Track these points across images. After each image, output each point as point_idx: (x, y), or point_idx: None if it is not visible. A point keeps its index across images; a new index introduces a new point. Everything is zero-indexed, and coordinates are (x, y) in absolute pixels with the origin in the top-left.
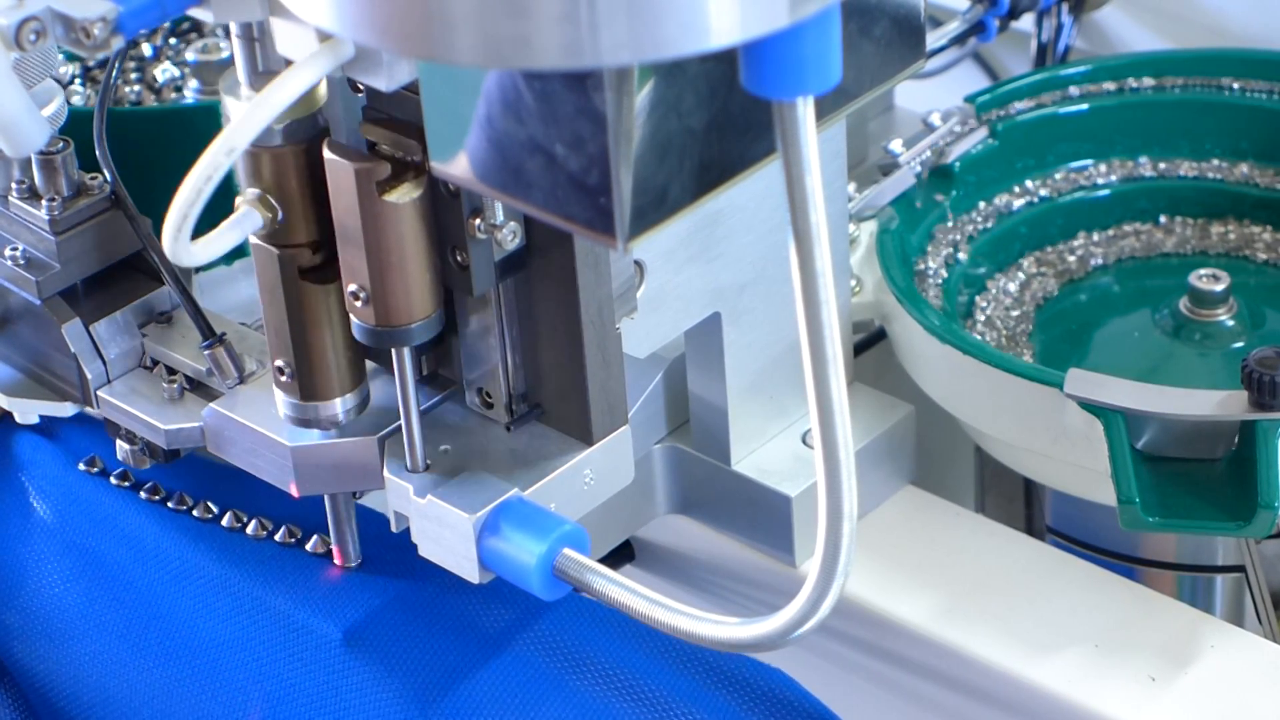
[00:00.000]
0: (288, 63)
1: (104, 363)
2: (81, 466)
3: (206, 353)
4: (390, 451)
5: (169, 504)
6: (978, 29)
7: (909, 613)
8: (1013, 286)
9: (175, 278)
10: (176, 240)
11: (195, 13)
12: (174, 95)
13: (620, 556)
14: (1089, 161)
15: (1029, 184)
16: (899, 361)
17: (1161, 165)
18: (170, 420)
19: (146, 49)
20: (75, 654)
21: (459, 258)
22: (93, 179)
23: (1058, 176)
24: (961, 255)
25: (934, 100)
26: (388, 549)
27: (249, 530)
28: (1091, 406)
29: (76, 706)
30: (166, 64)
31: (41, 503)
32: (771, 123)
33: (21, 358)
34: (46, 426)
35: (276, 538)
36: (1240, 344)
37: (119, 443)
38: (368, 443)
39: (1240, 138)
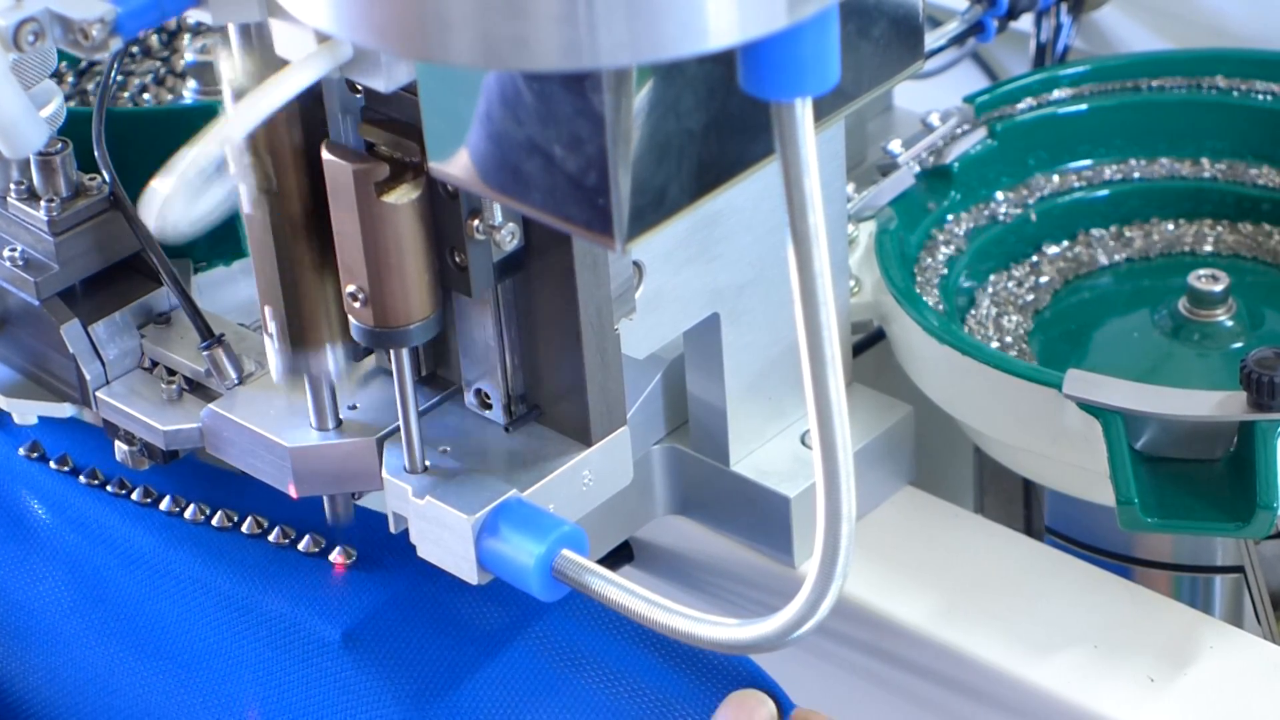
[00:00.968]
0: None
1: (103, 363)
2: (54, 465)
3: (205, 353)
4: (389, 452)
5: (160, 506)
6: (977, 29)
7: (908, 613)
8: (1012, 287)
9: (174, 278)
10: (158, 214)
11: (194, 14)
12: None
13: (619, 557)
14: (1088, 162)
15: (1028, 184)
16: (898, 362)
17: (1161, 165)
18: (169, 421)
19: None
20: (56, 660)
21: (457, 259)
22: (91, 180)
23: (1057, 177)
24: (960, 256)
25: (933, 100)
26: (386, 549)
27: (244, 529)
28: (1090, 407)
29: (55, 713)
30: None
31: (21, 505)
32: (770, 124)
33: (20, 359)
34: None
35: (270, 538)
36: (1239, 344)
37: (117, 443)
38: (366, 444)
39: (1240, 138)
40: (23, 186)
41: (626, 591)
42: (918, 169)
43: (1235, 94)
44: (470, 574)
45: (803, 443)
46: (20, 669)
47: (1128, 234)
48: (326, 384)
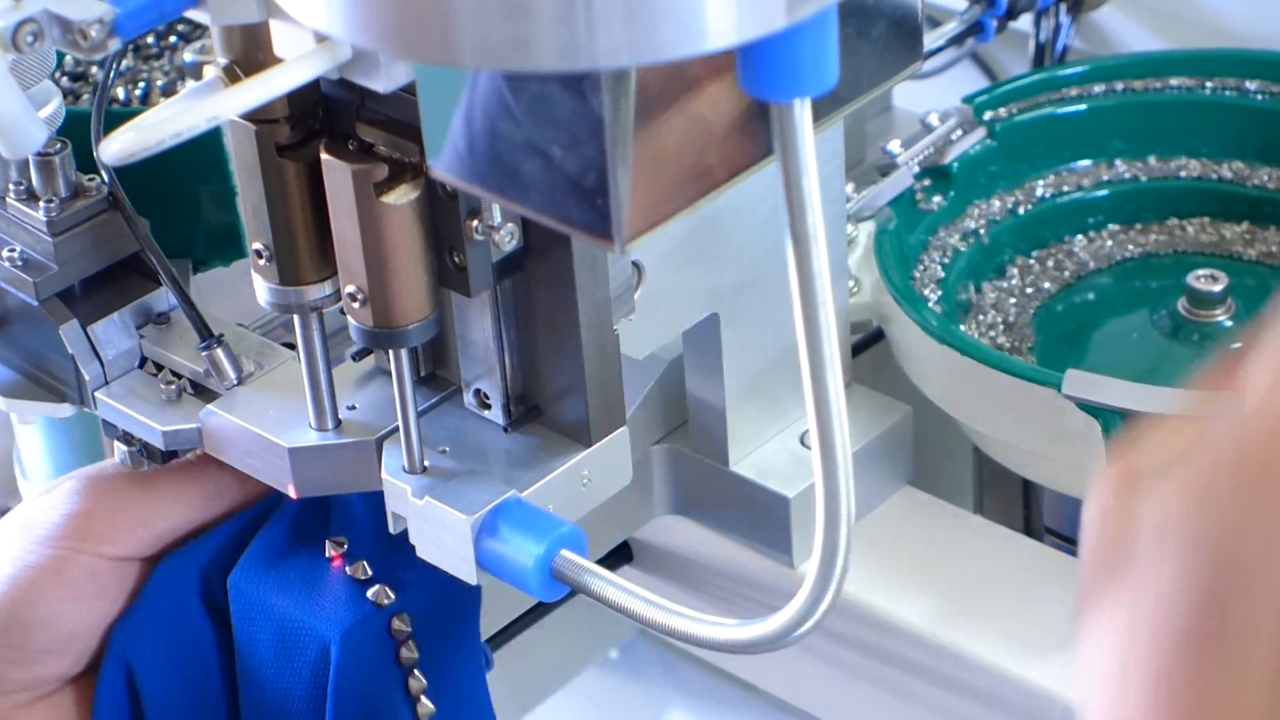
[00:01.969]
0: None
1: (102, 364)
2: None
3: (204, 354)
4: (388, 453)
5: None
6: (976, 29)
7: (907, 613)
8: (1011, 287)
9: (173, 279)
10: (111, 152)
11: (192, 14)
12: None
13: (618, 557)
14: (1087, 162)
15: (1027, 184)
16: (897, 362)
17: (1160, 166)
18: (168, 421)
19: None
20: None
21: (456, 259)
22: (90, 180)
23: (1056, 177)
24: (959, 256)
25: (932, 101)
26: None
27: None
28: (1090, 407)
29: None
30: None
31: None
32: (769, 124)
33: (19, 359)
34: None
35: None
36: (1238, 345)
37: (116, 444)
38: (365, 444)
39: (1239, 138)
40: (22, 187)
41: (626, 592)
42: (917, 169)
43: (1235, 94)
44: (469, 574)
45: (802, 443)
46: None
47: (1127, 234)
48: (316, 319)
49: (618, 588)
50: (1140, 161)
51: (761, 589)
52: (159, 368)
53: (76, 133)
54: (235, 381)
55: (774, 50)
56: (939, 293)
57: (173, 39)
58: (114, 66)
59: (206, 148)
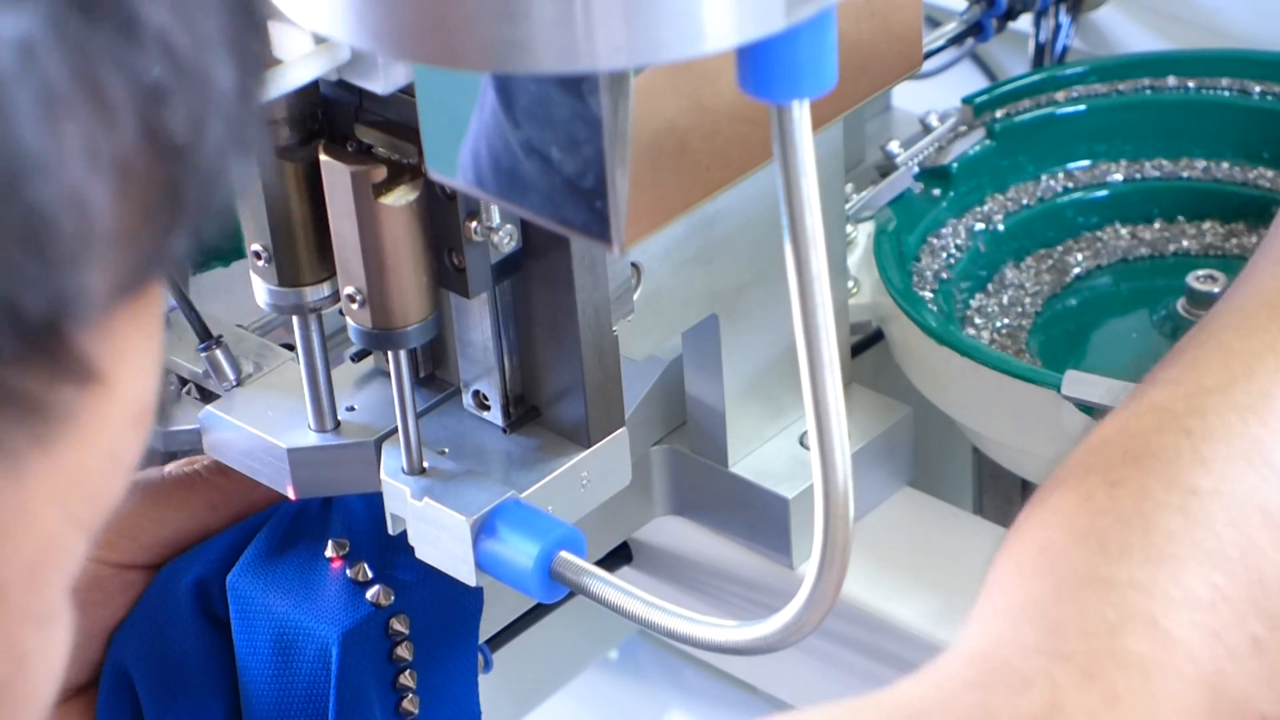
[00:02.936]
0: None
1: None
2: None
3: (203, 354)
4: (387, 454)
5: None
6: (975, 29)
7: (906, 614)
8: (1010, 288)
9: (172, 280)
10: None
11: None
12: None
13: (618, 558)
14: (1087, 162)
15: (1026, 185)
16: (896, 363)
17: (1159, 166)
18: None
19: None
20: None
21: (455, 260)
22: None
23: (1055, 177)
24: (959, 256)
25: (932, 101)
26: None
27: None
28: (1089, 408)
29: None
30: None
31: None
32: (768, 125)
33: None
34: None
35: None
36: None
37: None
38: (364, 445)
39: (1239, 138)
40: None
41: (624, 593)
42: (916, 169)
43: (1235, 94)
44: (468, 576)
45: (801, 444)
46: None
47: (1126, 234)
48: (315, 320)
49: (616, 589)
50: (1140, 162)
51: (761, 590)
52: None
53: None
54: (234, 383)
55: (773, 52)
56: (938, 293)
57: None
58: None
59: None
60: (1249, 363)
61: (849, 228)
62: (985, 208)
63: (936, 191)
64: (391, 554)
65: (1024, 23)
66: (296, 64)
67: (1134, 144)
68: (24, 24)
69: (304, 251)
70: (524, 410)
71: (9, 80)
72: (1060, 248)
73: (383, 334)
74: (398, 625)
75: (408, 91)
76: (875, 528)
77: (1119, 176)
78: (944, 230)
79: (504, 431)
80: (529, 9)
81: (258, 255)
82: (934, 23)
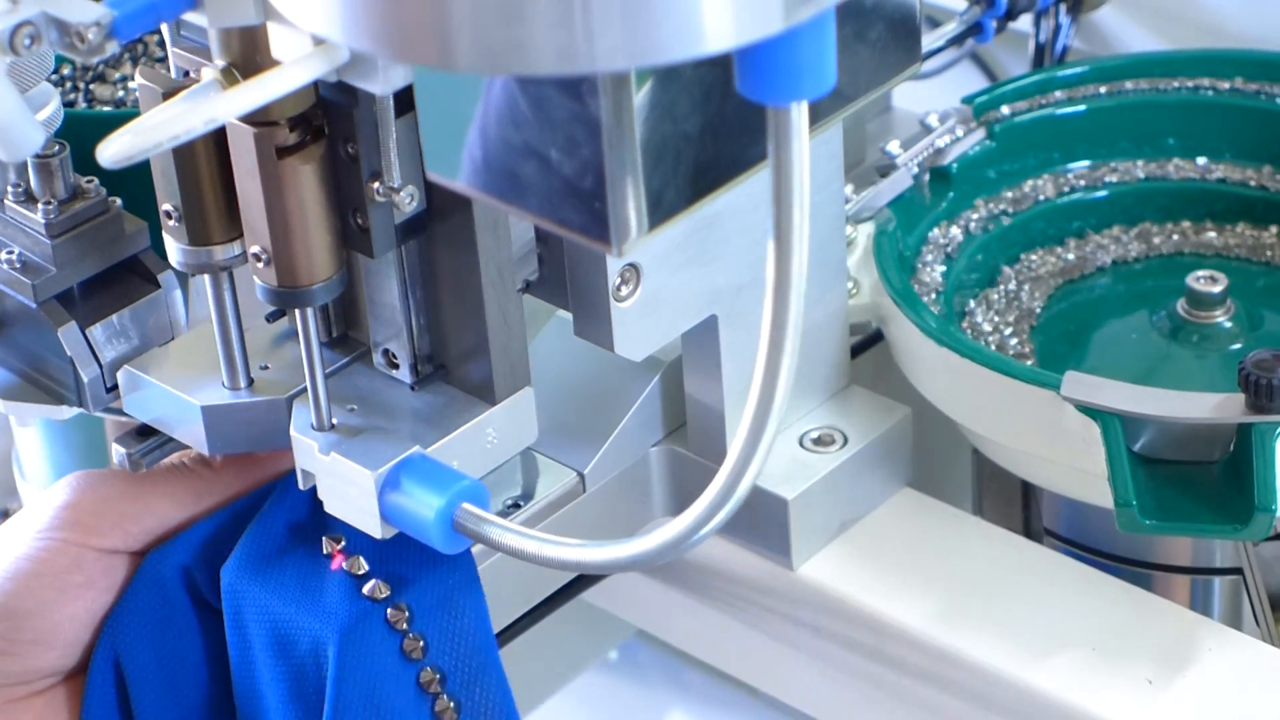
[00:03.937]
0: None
1: (100, 366)
2: None
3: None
4: (297, 411)
5: None
6: (975, 30)
7: (906, 615)
8: (1010, 288)
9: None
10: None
11: (190, 17)
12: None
13: None
14: (1086, 163)
15: (1026, 185)
16: (896, 364)
17: (1159, 166)
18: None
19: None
20: None
21: (359, 221)
22: (89, 182)
23: (1055, 177)
24: (959, 257)
25: (932, 101)
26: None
27: None
28: (1088, 409)
29: None
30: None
31: None
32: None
33: (18, 361)
34: None
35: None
36: (1238, 346)
37: (115, 447)
38: (276, 402)
39: (1240, 138)
40: (20, 189)
41: (522, 536)
42: (916, 170)
43: (1235, 94)
44: (374, 528)
45: (800, 444)
46: None
47: (1126, 235)
48: (227, 279)
49: (515, 534)
50: (1140, 162)
51: (760, 590)
52: None
53: (75, 135)
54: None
55: (771, 53)
56: (938, 294)
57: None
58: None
59: None
60: None
61: (849, 228)
62: (985, 208)
63: (937, 192)
64: (389, 548)
65: (1024, 23)
66: (295, 65)
67: (1134, 144)
68: None
69: (213, 211)
70: (432, 369)
71: None
72: (1060, 248)
73: (289, 292)
74: (396, 614)
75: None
76: (875, 528)
77: (1118, 177)
78: (944, 231)
79: (412, 389)
80: (528, 10)
81: (168, 215)
82: (934, 23)
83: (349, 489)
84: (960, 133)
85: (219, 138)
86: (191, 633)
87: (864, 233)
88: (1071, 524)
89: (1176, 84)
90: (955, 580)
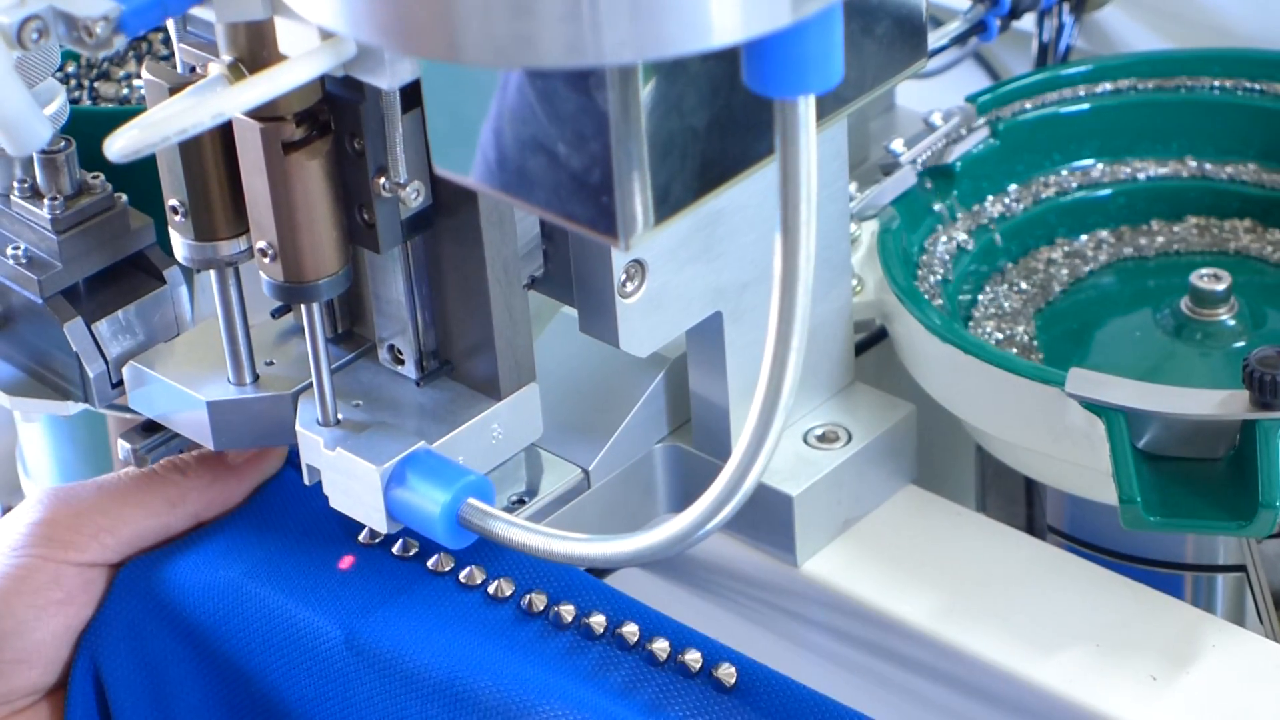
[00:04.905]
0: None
1: (106, 361)
2: None
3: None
4: (303, 406)
5: None
6: (979, 29)
7: (910, 612)
8: (1014, 286)
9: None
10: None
11: (197, 12)
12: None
13: None
14: (1090, 161)
15: (1030, 184)
16: (900, 361)
17: (1162, 165)
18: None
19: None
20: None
21: (365, 216)
22: (94, 178)
23: (1059, 176)
24: (963, 255)
25: (935, 100)
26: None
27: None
28: (1093, 406)
29: None
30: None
31: None
32: (773, 121)
33: (23, 357)
34: None
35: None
36: (1241, 343)
37: (120, 442)
38: (281, 398)
39: (1241, 138)
40: (26, 185)
41: (527, 531)
42: (920, 168)
43: (1236, 94)
44: (380, 523)
45: (805, 441)
46: None
47: (1130, 233)
48: (233, 275)
49: (521, 528)
50: (1143, 161)
51: (765, 587)
52: None
53: (80, 132)
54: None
55: (779, 47)
56: (942, 291)
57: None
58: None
59: None
60: None
61: (853, 226)
62: (988, 206)
63: (940, 191)
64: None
65: (1027, 22)
66: (302, 60)
67: (1137, 143)
68: None
69: (219, 206)
70: (438, 364)
71: None
72: (1063, 246)
73: (294, 287)
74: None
75: None
76: (879, 525)
77: (1121, 175)
78: (948, 229)
79: (417, 384)
80: (536, 4)
81: (175, 210)
82: (937, 22)
83: (354, 484)
84: (964, 131)
85: (225, 133)
86: (170, 644)
87: (868, 230)
88: (1075, 521)
89: (1179, 84)
90: (959, 577)
